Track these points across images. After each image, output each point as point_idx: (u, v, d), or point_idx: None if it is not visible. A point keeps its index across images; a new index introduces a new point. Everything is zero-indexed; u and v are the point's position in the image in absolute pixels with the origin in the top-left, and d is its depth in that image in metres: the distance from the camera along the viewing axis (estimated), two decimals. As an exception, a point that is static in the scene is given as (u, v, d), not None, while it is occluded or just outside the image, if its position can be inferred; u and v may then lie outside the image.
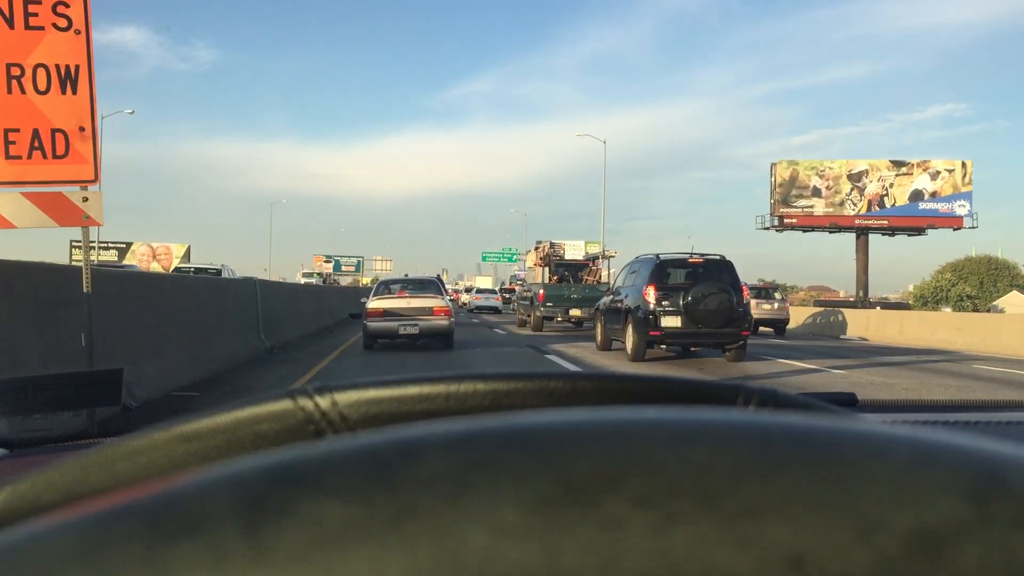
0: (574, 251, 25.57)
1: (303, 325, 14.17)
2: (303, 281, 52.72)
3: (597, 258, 21.35)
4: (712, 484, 0.20)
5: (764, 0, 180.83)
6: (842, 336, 19.40)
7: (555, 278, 19.22)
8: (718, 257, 10.70)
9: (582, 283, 18.64)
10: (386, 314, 11.18)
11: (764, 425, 0.23)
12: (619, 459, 0.21)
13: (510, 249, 60.93)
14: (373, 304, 11.36)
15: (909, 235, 34.14)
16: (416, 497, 0.20)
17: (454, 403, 0.35)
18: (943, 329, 16.30)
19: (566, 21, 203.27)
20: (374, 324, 11.15)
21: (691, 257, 10.78)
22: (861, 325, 19.28)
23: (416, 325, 11.11)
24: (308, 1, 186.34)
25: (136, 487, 0.24)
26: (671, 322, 9.98)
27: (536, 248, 24.90)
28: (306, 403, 0.34)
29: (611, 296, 11.71)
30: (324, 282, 59.49)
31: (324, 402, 0.34)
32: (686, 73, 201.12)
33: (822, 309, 24.03)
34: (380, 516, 0.20)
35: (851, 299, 35.17)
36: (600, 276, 19.39)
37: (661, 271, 10.39)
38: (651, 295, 10.05)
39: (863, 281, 33.31)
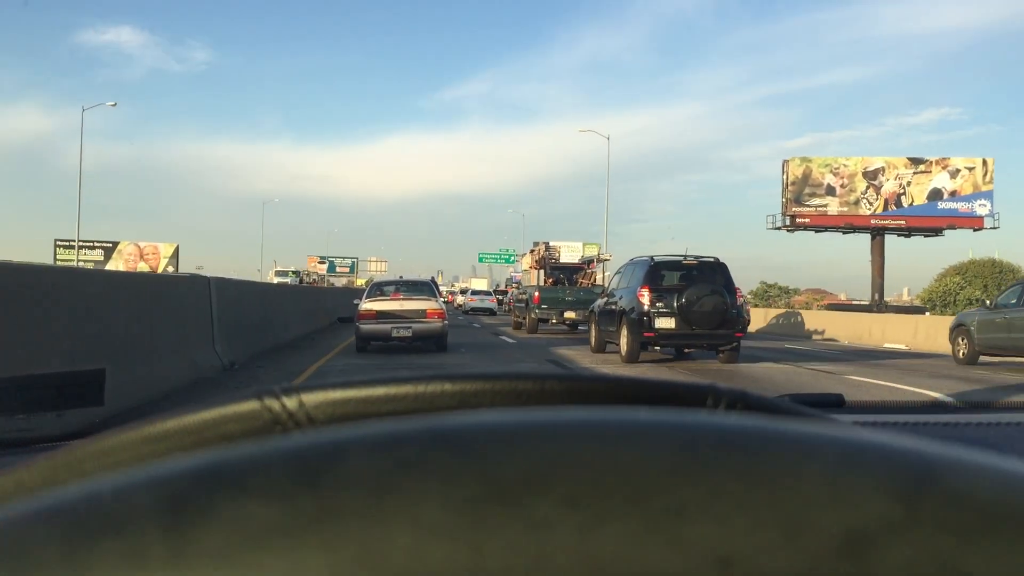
0: (572, 253, 26.47)
1: (282, 332, 13.01)
2: (276, 280, 47.81)
3: (592, 261, 22.65)
4: (639, 485, 0.22)
5: (759, 3, 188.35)
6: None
7: (550, 281, 20.40)
8: (712, 259, 11.39)
9: (577, 286, 19.74)
10: (379, 316, 11.75)
11: (694, 426, 0.25)
12: (546, 460, 0.22)
13: (507, 250, 62.14)
14: (366, 306, 11.95)
15: (925, 236, 34.57)
16: (339, 497, 0.21)
17: (422, 403, 0.36)
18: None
19: (561, 24, 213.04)
20: (366, 326, 11.75)
21: (685, 259, 11.47)
22: (907, 332, 18.34)
23: (409, 328, 11.70)
24: (302, 3, 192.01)
25: (59, 487, 0.25)
26: (665, 324, 10.65)
27: (532, 251, 26.07)
28: (273, 404, 0.35)
29: (606, 298, 12.40)
30: (301, 281, 54.48)
31: (291, 403, 0.36)
32: (680, 76, 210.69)
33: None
34: (302, 516, 0.21)
35: (849, 302, 35.45)
36: (594, 279, 20.57)
37: (655, 273, 11.07)
38: (645, 297, 10.71)
39: (879, 284, 33.72)
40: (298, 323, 15.30)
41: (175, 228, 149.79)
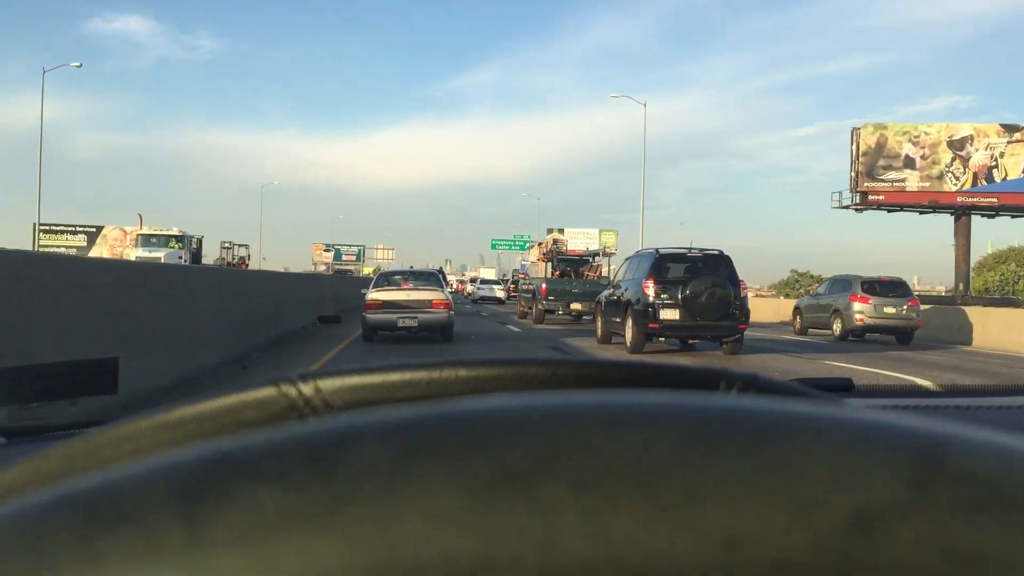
0: (588, 239, 29.59)
1: (189, 355, 8.82)
2: (137, 255, 31.68)
3: (598, 255, 26.75)
4: (647, 468, 0.26)
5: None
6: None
7: (557, 273, 23.84)
8: (716, 251, 13.91)
9: (583, 278, 23.14)
10: (385, 306, 14.39)
11: (702, 408, 0.29)
12: (556, 444, 0.27)
13: (521, 236, 65.50)
14: (372, 296, 14.61)
15: (1013, 216, 35.18)
16: (352, 484, 0.26)
17: (436, 389, 0.43)
18: None
19: (570, 11, 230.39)
20: (373, 316, 14.42)
21: (690, 251, 14.01)
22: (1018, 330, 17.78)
23: (415, 318, 14.31)
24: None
25: (76, 477, 0.29)
26: (669, 315, 13.13)
27: (540, 244, 29.86)
28: (290, 390, 0.41)
29: (611, 289, 14.99)
30: (197, 256, 36.08)
31: (308, 389, 0.41)
32: (689, 64, 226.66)
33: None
34: (316, 503, 0.25)
35: (920, 293, 36.28)
36: (600, 272, 24.00)
37: (660, 265, 13.57)
38: (650, 288, 13.20)
39: (964, 272, 34.20)
40: (217, 336, 10.67)
41: (179, 216, 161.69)
